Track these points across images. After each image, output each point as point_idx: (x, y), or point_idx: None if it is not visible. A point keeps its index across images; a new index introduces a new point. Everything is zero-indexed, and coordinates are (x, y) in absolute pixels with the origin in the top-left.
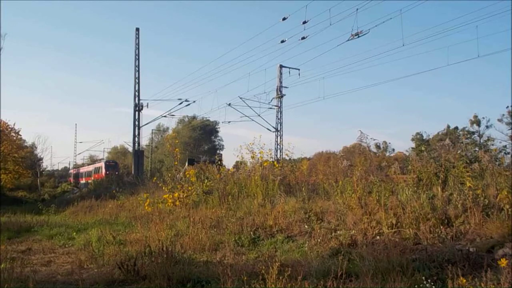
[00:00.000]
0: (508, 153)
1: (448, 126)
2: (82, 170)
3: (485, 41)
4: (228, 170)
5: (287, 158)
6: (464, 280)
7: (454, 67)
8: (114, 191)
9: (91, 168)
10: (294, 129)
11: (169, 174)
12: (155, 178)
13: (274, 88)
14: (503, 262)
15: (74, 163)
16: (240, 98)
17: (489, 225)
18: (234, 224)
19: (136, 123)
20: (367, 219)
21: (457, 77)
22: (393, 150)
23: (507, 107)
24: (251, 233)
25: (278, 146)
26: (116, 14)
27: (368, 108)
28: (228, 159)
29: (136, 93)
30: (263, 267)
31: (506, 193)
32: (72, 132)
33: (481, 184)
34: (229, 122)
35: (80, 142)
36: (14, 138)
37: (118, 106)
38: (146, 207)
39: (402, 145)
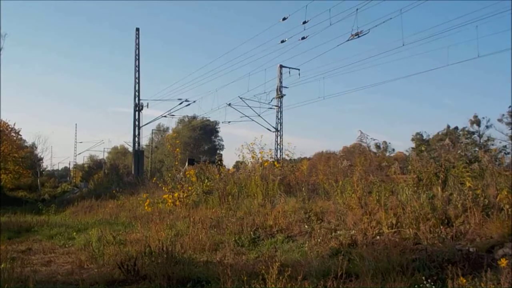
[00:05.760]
0: (508, 153)
1: (448, 126)
2: None
3: (485, 41)
4: (228, 170)
5: (287, 158)
6: (464, 280)
7: (454, 67)
8: (114, 191)
9: None
10: (294, 129)
11: (169, 174)
12: (155, 178)
13: (274, 88)
14: (503, 262)
15: (74, 163)
16: (240, 98)
17: (489, 225)
18: (234, 224)
19: (136, 123)
20: (367, 219)
21: (457, 77)
22: (393, 150)
23: (509, 106)
24: (251, 233)
25: (278, 146)
26: (116, 13)
27: (368, 108)
28: (228, 159)
29: (136, 93)
30: (263, 267)
31: (506, 193)
32: (72, 132)
33: (481, 184)
34: (229, 122)
35: (80, 142)
36: (14, 138)
37: (118, 106)
38: (146, 207)
39: (402, 145)
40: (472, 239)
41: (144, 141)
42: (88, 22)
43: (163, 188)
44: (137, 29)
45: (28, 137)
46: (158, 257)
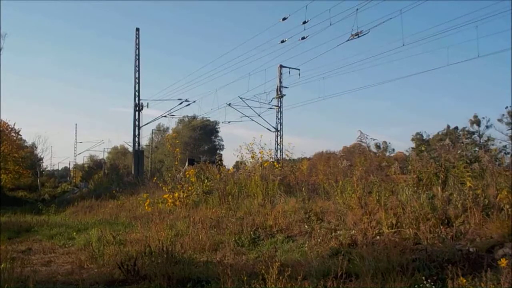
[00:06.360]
0: (508, 153)
1: (448, 126)
2: None
3: (485, 41)
4: (228, 170)
5: (287, 158)
6: (464, 280)
7: (454, 67)
8: (114, 191)
9: None
10: (294, 129)
11: (169, 174)
12: (155, 178)
13: (274, 88)
14: (503, 262)
15: (74, 163)
16: (240, 98)
17: (489, 225)
18: (234, 224)
19: (136, 123)
20: (367, 219)
21: (457, 77)
22: (393, 150)
23: (507, 107)
24: (251, 233)
25: (278, 146)
26: (116, 13)
27: (368, 108)
28: (228, 159)
29: (136, 93)
30: (263, 267)
31: (506, 193)
32: (72, 132)
33: (481, 184)
34: (229, 122)
35: (80, 142)
36: (14, 138)
37: (118, 106)
38: (146, 207)
39: (402, 145)
40: (472, 239)
41: (144, 141)
42: (88, 22)
43: (163, 188)
44: (137, 29)
45: (28, 137)
46: (158, 257)
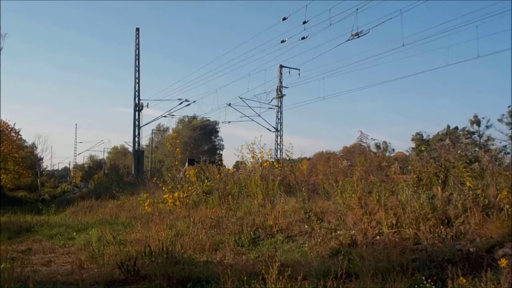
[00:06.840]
0: (508, 153)
1: (448, 126)
2: None
3: (485, 41)
4: (228, 170)
5: (287, 158)
6: (464, 280)
7: (454, 67)
8: (114, 191)
9: None
10: (294, 129)
11: (169, 174)
12: (155, 178)
13: (274, 88)
14: (503, 262)
15: (74, 163)
16: (240, 98)
17: (489, 225)
18: (234, 224)
19: (136, 123)
20: (367, 219)
21: (457, 77)
22: (393, 150)
23: (509, 106)
24: (251, 233)
25: (278, 146)
26: (116, 14)
27: (368, 108)
28: (228, 159)
29: (136, 93)
30: (263, 267)
31: (506, 193)
32: (72, 132)
33: (481, 184)
34: (229, 122)
35: (80, 142)
36: (14, 138)
37: (118, 106)
38: (146, 207)
39: (402, 145)
40: (472, 239)
41: (144, 141)
42: (89, 22)
43: (163, 188)
44: (137, 29)
45: (28, 137)
46: (158, 257)
